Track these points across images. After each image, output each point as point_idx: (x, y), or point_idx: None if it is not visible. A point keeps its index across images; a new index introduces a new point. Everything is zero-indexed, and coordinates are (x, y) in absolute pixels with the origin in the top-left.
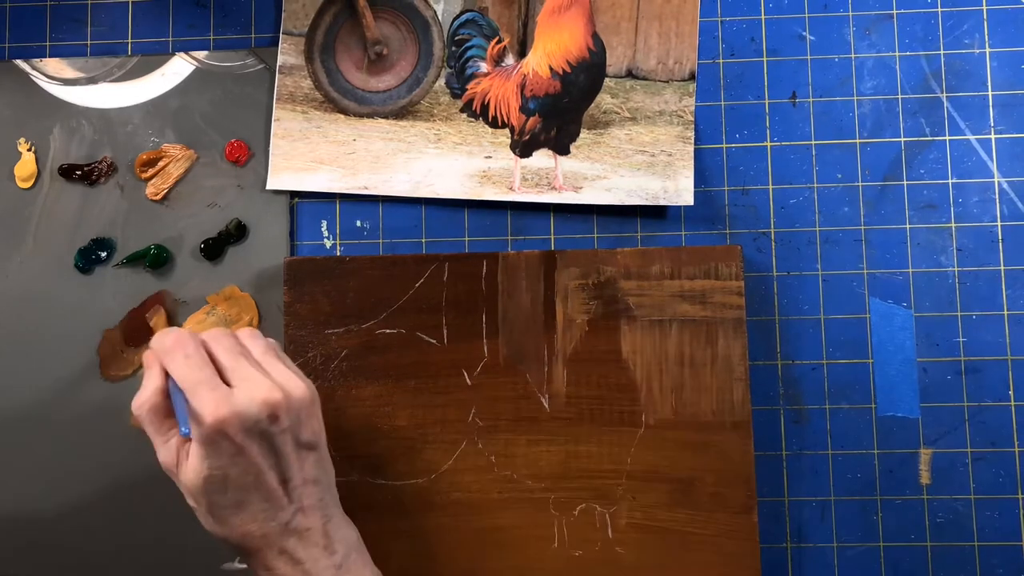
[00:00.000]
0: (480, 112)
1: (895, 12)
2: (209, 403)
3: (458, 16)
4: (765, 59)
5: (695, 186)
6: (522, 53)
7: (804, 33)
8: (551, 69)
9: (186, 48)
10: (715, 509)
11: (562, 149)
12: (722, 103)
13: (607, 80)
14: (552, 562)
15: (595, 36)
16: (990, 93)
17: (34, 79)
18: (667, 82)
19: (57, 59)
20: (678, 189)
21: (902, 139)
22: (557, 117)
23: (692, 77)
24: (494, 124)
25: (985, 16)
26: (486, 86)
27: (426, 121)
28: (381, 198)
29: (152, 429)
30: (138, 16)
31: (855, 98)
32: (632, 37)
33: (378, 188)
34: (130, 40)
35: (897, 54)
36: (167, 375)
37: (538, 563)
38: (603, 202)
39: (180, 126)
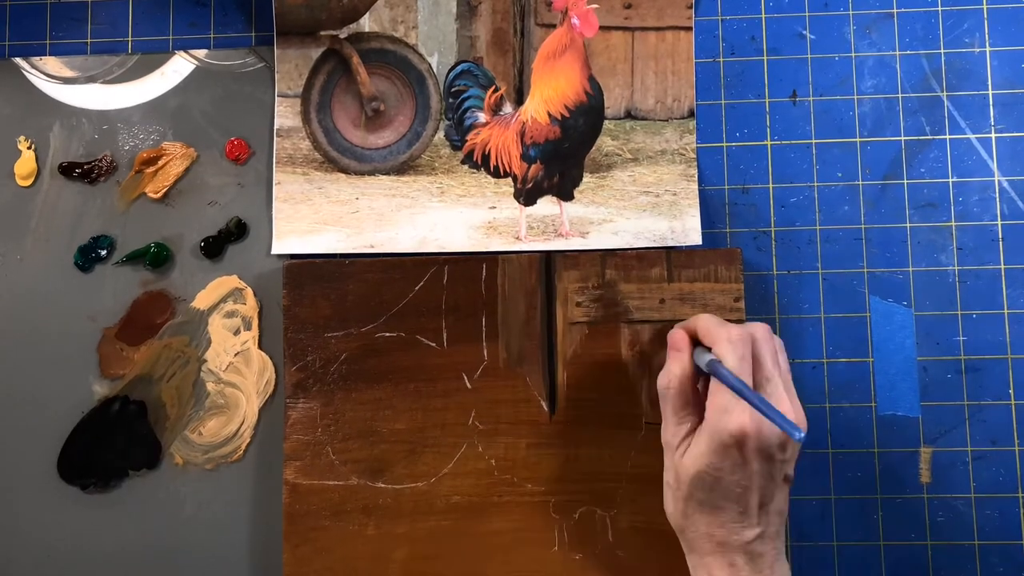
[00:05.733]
0: (481, 162)
1: (895, 11)
2: (745, 413)
3: (453, 67)
4: (765, 58)
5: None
6: (519, 101)
7: (804, 32)
8: (549, 115)
9: (186, 46)
10: None
11: (566, 195)
12: (722, 102)
13: (606, 122)
14: (552, 566)
15: (591, 79)
16: (990, 92)
17: (34, 77)
18: (667, 121)
19: (57, 58)
20: (685, 228)
21: (902, 138)
22: (559, 163)
23: (691, 114)
24: (496, 174)
25: (985, 15)
26: (486, 136)
27: (428, 175)
28: (386, 255)
29: (671, 408)
30: (138, 15)
31: (855, 97)
32: (629, 78)
33: (384, 246)
34: (130, 39)
35: (897, 53)
36: (692, 360)
37: (538, 567)
38: (610, 246)
39: (180, 124)
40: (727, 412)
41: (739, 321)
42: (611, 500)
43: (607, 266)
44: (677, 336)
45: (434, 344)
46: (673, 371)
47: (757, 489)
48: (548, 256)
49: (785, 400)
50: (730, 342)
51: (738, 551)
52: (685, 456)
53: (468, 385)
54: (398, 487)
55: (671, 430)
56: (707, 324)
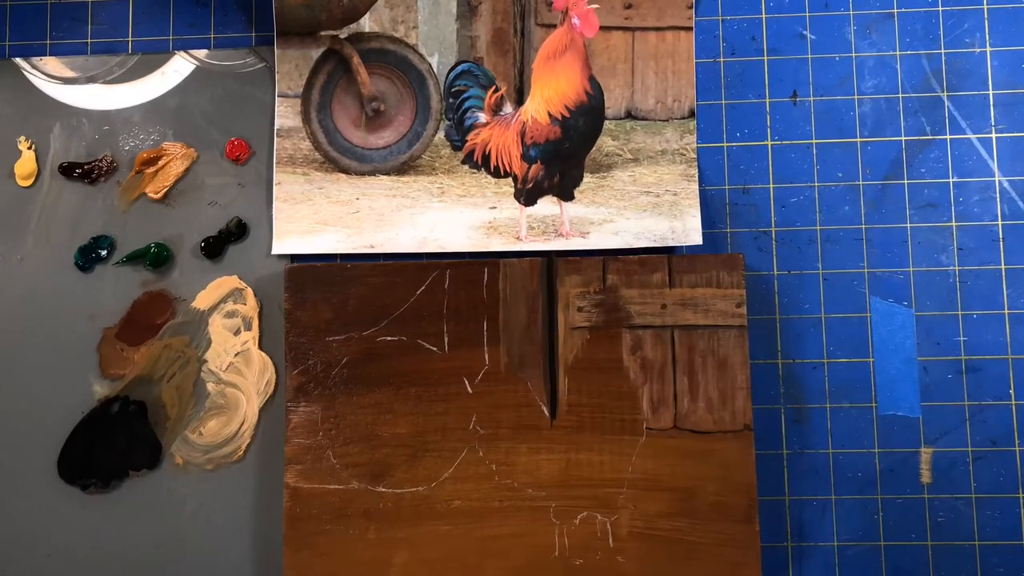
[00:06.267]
0: (482, 163)
1: (896, 11)
2: None
3: (453, 67)
4: (766, 58)
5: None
6: (520, 101)
7: (805, 32)
8: (550, 115)
9: (186, 47)
10: (716, 518)
11: (566, 195)
12: (723, 102)
13: (607, 122)
14: (553, 571)
15: (592, 79)
16: (991, 92)
17: (34, 78)
18: (667, 121)
19: (57, 58)
20: (686, 229)
21: (903, 138)
22: (559, 163)
23: (692, 114)
24: (496, 174)
25: (986, 15)
26: (486, 136)
27: (428, 175)
28: (387, 255)
29: None
30: (138, 15)
31: (856, 97)
32: (629, 78)
33: (384, 246)
34: (130, 39)
35: (898, 53)
36: None
37: (539, 572)
38: (611, 246)
39: (180, 125)
40: None
41: (741, 327)
42: (612, 505)
43: (609, 271)
44: None
45: (435, 348)
46: None
47: None
48: (550, 261)
49: None
50: None
51: None
52: None
53: (469, 390)
54: (399, 491)
55: None
56: None
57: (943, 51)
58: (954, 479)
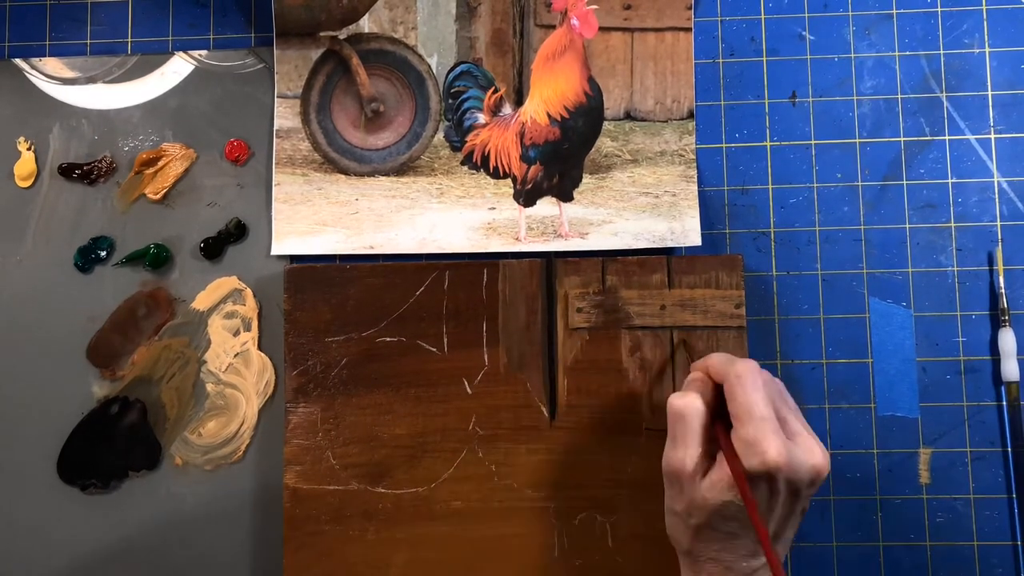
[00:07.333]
0: (481, 164)
1: (895, 12)
2: (774, 445)
3: (452, 68)
4: (765, 59)
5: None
6: (519, 102)
7: (804, 33)
8: (549, 116)
9: (186, 47)
10: None
11: (565, 196)
12: (722, 103)
13: (606, 123)
14: (553, 571)
15: (591, 80)
16: (990, 93)
17: (34, 78)
18: (666, 122)
19: (56, 58)
20: (685, 229)
21: (902, 139)
22: (558, 164)
23: (691, 115)
24: (496, 175)
25: (985, 16)
26: (485, 137)
27: (427, 176)
28: (386, 256)
29: (684, 430)
30: (138, 15)
31: (855, 98)
32: (628, 79)
33: (384, 247)
34: (130, 39)
35: (897, 54)
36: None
37: (539, 572)
38: (610, 247)
39: (180, 125)
40: (758, 444)
41: (740, 328)
42: (611, 506)
43: (608, 272)
44: (702, 366)
45: (435, 349)
46: (697, 396)
47: (777, 520)
48: (549, 261)
49: (811, 440)
50: (742, 376)
51: None
52: (706, 486)
53: (468, 390)
54: (398, 492)
55: (681, 456)
56: (719, 361)
57: (942, 52)
58: (953, 479)
